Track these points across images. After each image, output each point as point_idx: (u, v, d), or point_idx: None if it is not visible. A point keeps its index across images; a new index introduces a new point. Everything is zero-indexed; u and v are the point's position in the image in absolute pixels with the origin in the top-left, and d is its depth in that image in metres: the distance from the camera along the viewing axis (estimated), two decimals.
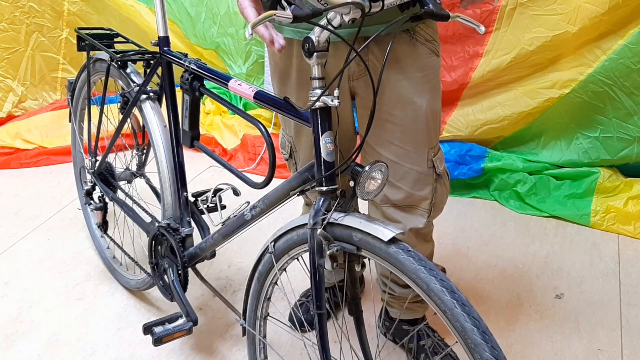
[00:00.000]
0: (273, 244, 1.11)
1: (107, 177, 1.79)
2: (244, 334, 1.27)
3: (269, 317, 1.25)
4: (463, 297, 0.83)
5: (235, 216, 1.25)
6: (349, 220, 0.95)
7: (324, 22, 0.87)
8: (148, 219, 1.58)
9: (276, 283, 1.19)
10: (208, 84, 1.29)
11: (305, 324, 1.65)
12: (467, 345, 0.80)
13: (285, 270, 1.15)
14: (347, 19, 0.83)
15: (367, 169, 0.93)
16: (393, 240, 0.89)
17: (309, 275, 1.68)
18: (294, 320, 1.67)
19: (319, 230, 0.96)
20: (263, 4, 0.82)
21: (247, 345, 1.29)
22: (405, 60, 1.18)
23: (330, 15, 0.85)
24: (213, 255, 1.46)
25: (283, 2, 0.78)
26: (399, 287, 1.48)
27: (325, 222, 0.96)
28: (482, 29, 0.94)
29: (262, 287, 1.19)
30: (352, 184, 0.95)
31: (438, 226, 1.36)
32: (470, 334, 0.79)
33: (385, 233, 0.89)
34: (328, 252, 0.95)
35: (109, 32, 1.74)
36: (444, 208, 1.38)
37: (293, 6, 0.77)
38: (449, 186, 1.37)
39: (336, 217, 0.96)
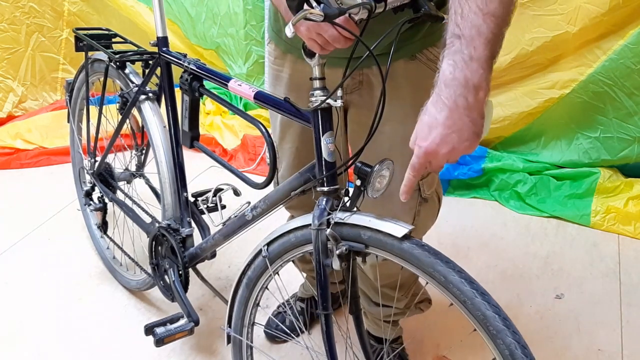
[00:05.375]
0: (266, 247, 1.09)
1: (106, 178, 1.79)
2: (228, 342, 1.23)
3: (256, 324, 1.22)
4: (481, 287, 0.84)
5: (235, 216, 1.25)
6: (357, 219, 0.94)
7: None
8: (148, 219, 1.58)
9: (266, 287, 1.17)
10: (208, 84, 1.29)
11: (292, 331, 1.63)
12: (488, 332, 0.82)
13: (277, 273, 1.13)
14: (355, 18, 0.85)
15: (376, 167, 0.93)
16: (405, 236, 0.90)
17: (306, 279, 1.67)
18: (269, 332, 1.63)
19: (328, 230, 0.96)
20: (288, 4, 0.83)
21: (232, 354, 1.25)
22: (399, 79, 1.12)
23: None
24: (213, 255, 1.46)
25: (311, 0, 0.80)
26: (370, 305, 1.45)
27: (332, 222, 0.96)
28: None
29: (250, 293, 1.16)
30: (358, 182, 0.95)
31: (438, 226, 1.36)
32: (492, 320, 0.81)
33: (398, 229, 0.90)
34: (337, 252, 0.95)
35: (106, 32, 1.74)
36: (443, 214, 1.34)
37: (323, 4, 0.80)
38: (438, 211, 1.31)
39: (341, 216, 0.96)
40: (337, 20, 0.83)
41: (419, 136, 0.82)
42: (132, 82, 1.55)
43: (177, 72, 1.35)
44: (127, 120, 1.60)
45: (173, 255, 1.48)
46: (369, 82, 1.14)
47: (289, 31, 0.82)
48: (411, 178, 0.86)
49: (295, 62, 1.19)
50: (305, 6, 0.81)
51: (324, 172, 0.98)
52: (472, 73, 0.76)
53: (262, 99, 1.08)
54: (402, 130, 1.16)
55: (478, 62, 0.76)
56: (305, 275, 1.61)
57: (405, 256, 0.90)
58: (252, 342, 1.23)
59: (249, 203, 1.22)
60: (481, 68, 0.76)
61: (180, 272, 1.48)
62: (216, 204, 1.41)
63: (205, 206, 1.46)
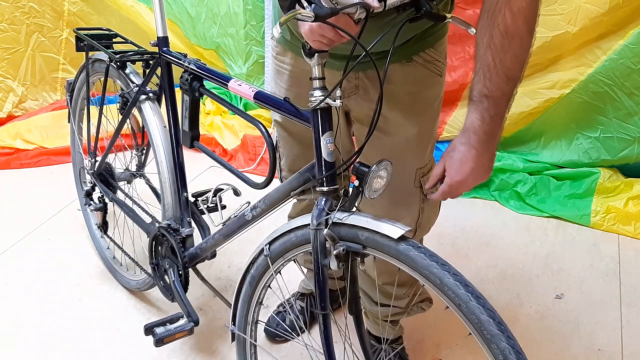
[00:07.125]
0: (268, 246, 1.10)
1: (106, 178, 1.79)
2: (232, 340, 1.24)
3: (259, 322, 1.22)
4: (476, 290, 0.84)
5: (235, 216, 1.25)
6: (354, 219, 0.95)
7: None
8: (148, 219, 1.58)
9: (269, 286, 1.17)
10: (208, 84, 1.29)
11: (293, 330, 1.63)
12: (482, 336, 0.81)
13: (280, 272, 1.14)
14: (354, 17, 0.84)
15: (373, 167, 0.93)
16: (401, 238, 0.90)
17: (306, 275, 1.67)
18: (270, 330, 1.64)
19: (325, 230, 0.96)
20: (280, 4, 0.83)
21: (236, 351, 1.26)
22: (396, 83, 1.13)
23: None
24: (213, 255, 1.46)
25: (302, 1, 0.79)
26: (371, 304, 1.46)
27: (330, 222, 0.96)
28: (473, 30, 0.94)
29: (253, 291, 1.17)
30: (356, 182, 0.95)
31: (438, 226, 1.36)
32: (487, 325, 0.81)
33: (394, 231, 0.90)
34: (334, 252, 0.95)
35: (107, 32, 1.74)
36: (443, 214, 1.36)
37: (313, 5, 0.79)
38: (440, 205, 1.33)
39: (340, 216, 0.96)
40: (332, 20, 0.83)
41: (452, 169, 1.00)
42: (133, 82, 1.55)
43: (177, 72, 1.35)
44: (128, 120, 1.60)
45: (173, 255, 1.48)
46: (365, 87, 1.15)
47: (276, 31, 0.81)
48: (437, 200, 1.07)
49: (296, 57, 1.19)
50: (297, 6, 0.80)
51: (324, 172, 0.98)
52: (495, 125, 0.97)
53: (262, 99, 1.08)
54: (403, 132, 1.18)
55: (500, 117, 0.97)
56: (305, 270, 1.61)
57: (401, 257, 0.90)
58: (255, 340, 1.24)
59: (249, 203, 1.22)
60: (501, 122, 0.97)
61: (180, 272, 1.48)
62: (216, 204, 1.41)
63: (205, 206, 1.46)
